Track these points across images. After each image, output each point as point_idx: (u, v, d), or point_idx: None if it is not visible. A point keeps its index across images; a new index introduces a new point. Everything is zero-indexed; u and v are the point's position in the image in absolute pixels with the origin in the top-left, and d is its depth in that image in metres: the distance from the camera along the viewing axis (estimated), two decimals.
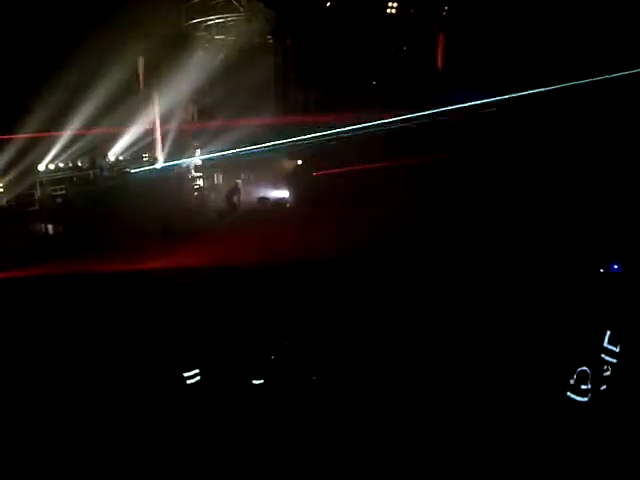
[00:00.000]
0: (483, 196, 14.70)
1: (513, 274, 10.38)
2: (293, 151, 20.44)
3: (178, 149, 23.52)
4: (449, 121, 17.37)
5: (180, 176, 22.58)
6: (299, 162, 20.32)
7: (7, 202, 18.04)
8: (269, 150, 20.04)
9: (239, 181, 20.57)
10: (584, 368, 6.78)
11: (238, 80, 21.03)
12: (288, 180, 20.56)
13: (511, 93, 15.67)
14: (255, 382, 7.77)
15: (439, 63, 18.96)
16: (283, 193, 20.52)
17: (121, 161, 21.92)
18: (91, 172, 20.42)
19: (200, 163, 22.79)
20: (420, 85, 18.74)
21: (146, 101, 22.83)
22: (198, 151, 22.87)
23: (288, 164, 20.69)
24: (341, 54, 19.34)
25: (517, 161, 15.11)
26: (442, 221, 13.78)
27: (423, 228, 13.31)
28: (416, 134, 17.90)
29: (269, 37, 22.73)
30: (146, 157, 22.84)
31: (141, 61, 22.48)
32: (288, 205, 20.02)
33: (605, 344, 7.00)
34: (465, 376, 7.74)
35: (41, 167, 19.51)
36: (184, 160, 23.06)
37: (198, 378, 7.73)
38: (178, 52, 21.80)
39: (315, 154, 19.39)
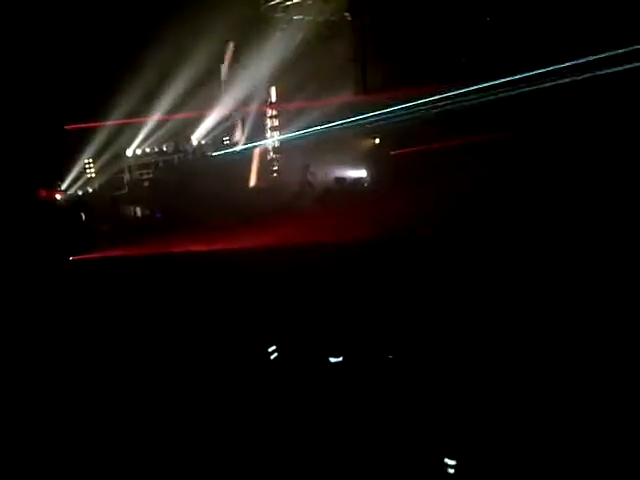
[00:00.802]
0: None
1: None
2: (371, 130, 20.16)
3: (257, 132, 23.82)
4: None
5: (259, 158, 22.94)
6: (377, 141, 20.02)
7: (98, 186, 18.97)
8: (347, 129, 19.87)
9: (310, 165, 20.52)
10: None
11: (316, 60, 20.92)
12: (365, 160, 20.33)
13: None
14: (332, 360, 7.78)
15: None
16: (360, 173, 20.34)
17: (203, 145, 22.44)
18: (175, 156, 21.05)
19: (278, 145, 23.01)
20: (505, 62, 17.82)
21: (226, 85, 23.24)
22: (276, 133, 23.06)
23: (366, 143, 20.42)
24: (421, 29, 18.73)
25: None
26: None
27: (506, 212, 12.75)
28: (499, 111, 17.13)
29: (347, 14, 22.40)
30: (227, 140, 23.27)
31: (230, 46, 22.84)
32: (365, 185, 19.82)
33: None
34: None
35: (129, 152, 20.30)
36: (263, 142, 23.37)
37: (276, 354, 7.84)
38: (257, 34, 21.96)
39: (393, 133, 19.02)
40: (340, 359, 7.80)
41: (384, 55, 19.89)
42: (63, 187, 18.02)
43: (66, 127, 17.43)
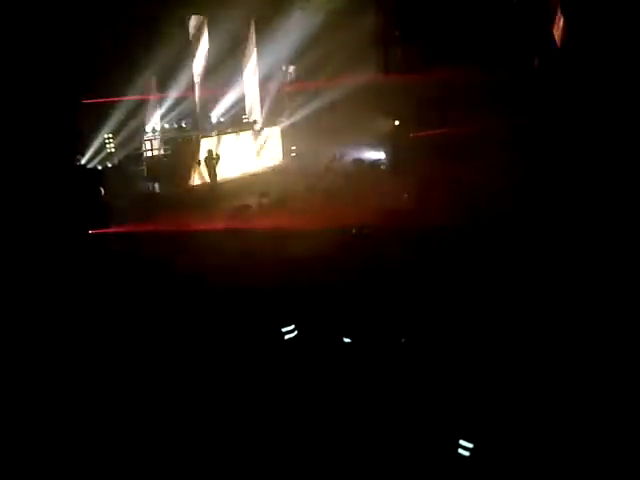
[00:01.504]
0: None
1: None
2: (390, 112, 20.04)
3: (276, 111, 23.77)
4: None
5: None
6: (396, 123, 19.91)
7: (117, 161, 18.99)
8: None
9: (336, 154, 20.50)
10: None
11: (337, 40, 20.77)
12: (384, 141, 20.27)
13: None
14: (346, 340, 7.83)
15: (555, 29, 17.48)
16: (379, 155, 20.28)
17: (222, 123, 22.40)
18: (194, 133, 21.03)
19: (296, 125, 23.01)
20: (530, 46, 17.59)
21: (245, 63, 23.17)
22: (296, 112, 23.05)
23: (385, 125, 20.33)
24: (447, 10, 18.44)
25: None
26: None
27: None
28: (522, 94, 16.96)
29: None
30: (246, 119, 23.22)
31: (250, 24, 22.73)
32: (383, 167, 19.78)
33: None
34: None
35: (148, 128, 20.30)
36: (281, 122, 23.36)
37: (295, 333, 7.89)
38: (276, 13, 21.81)
39: (413, 115, 18.91)
40: (354, 339, 7.86)
41: (407, 36, 19.68)
42: (83, 162, 18.09)
43: (84, 101, 17.41)
